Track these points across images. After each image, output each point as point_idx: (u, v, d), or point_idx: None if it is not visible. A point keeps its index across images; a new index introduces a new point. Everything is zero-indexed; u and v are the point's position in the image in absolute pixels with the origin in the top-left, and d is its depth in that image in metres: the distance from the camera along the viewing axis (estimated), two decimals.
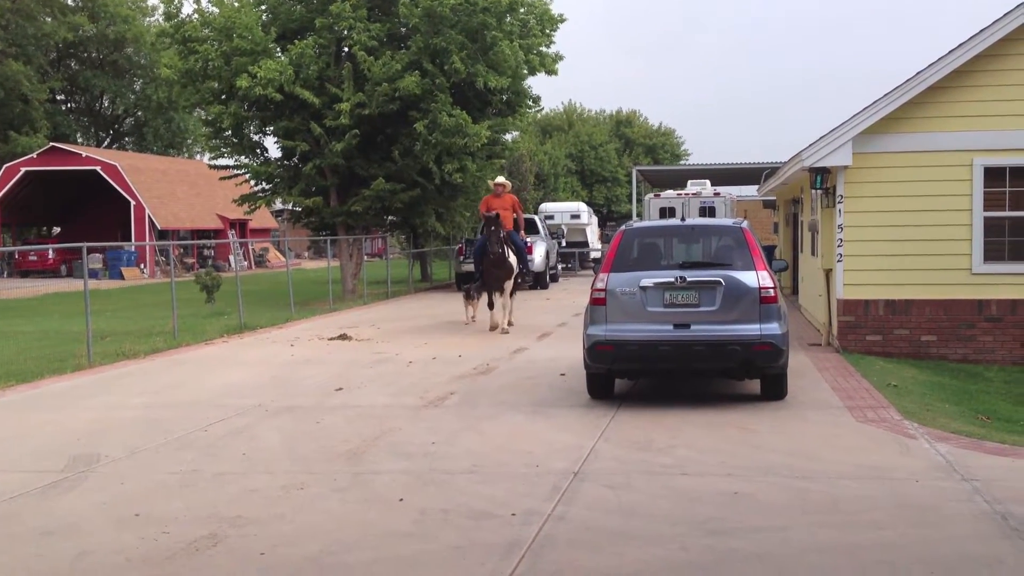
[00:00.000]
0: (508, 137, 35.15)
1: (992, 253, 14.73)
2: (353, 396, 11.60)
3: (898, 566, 5.50)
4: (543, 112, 68.55)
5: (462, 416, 10.23)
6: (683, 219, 13.08)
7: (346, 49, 28.11)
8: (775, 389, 10.75)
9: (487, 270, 18.15)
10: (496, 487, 7.42)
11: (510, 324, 18.39)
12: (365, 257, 32.12)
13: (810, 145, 15.49)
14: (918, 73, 14.85)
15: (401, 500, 7.11)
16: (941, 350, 14.89)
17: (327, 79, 27.15)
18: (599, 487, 7.38)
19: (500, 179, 19.05)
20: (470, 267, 30.11)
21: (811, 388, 11.48)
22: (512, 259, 18.18)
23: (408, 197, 28.01)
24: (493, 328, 18.23)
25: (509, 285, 18.24)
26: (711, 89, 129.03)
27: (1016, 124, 14.64)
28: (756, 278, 10.47)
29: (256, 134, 29.30)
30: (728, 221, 13.88)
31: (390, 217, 32.13)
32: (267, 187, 30.05)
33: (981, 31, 14.60)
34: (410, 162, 27.49)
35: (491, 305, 18.48)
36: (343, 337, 17.66)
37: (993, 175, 14.83)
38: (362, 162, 27.71)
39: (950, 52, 14.75)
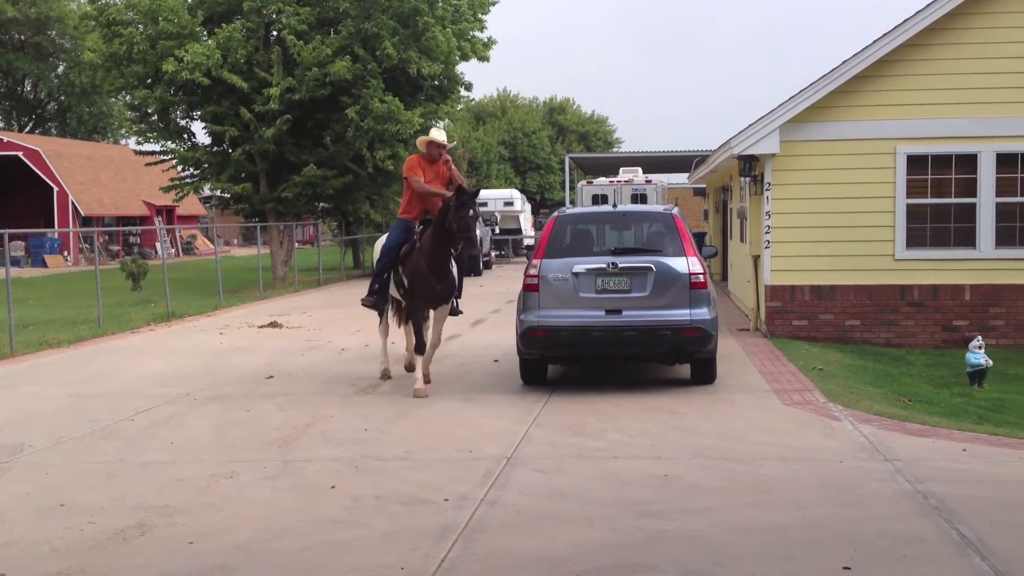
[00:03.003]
0: (442, 124, 35.02)
1: (914, 239, 15.10)
2: (284, 384, 11.49)
3: (821, 544, 5.62)
4: (476, 99, 68.56)
5: (395, 403, 10.20)
6: (615, 206, 13.17)
7: (275, 33, 27.76)
8: (705, 373, 10.90)
9: (418, 283, 10.77)
10: (429, 473, 7.42)
11: (428, 381, 11.03)
12: (296, 244, 31.79)
13: (739, 133, 15.70)
14: (844, 62, 15.13)
15: (333, 487, 7.07)
16: (865, 334, 15.23)
17: (256, 63, 26.78)
18: (531, 472, 7.42)
19: (438, 134, 11.19)
20: None
21: (740, 372, 11.65)
22: (454, 270, 11.06)
23: (340, 184, 27.79)
24: (410, 369, 11.51)
25: (446, 311, 11.23)
26: (644, 76, 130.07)
27: (938, 113, 15.00)
28: (686, 264, 10.59)
29: (183, 119, 28.83)
30: (659, 208, 14.02)
31: (322, 204, 31.86)
32: (195, 173, 29.58)
33: (905, 21, 14.92)
34: (342, 148, 27.27)
35: (419, 347, 10.98)
36: (274, 325, 17.47)
37: (916, 163, 15.19)
38: (293, 148, 27.42)
39: (875, 42, 15.05)
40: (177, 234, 53.26)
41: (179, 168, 30.05)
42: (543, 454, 7.94)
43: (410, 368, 11.59)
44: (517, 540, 5.87)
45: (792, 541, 5.72)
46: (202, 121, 27.84)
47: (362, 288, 27.72)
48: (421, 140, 11.50)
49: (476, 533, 6.00)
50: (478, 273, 29.28)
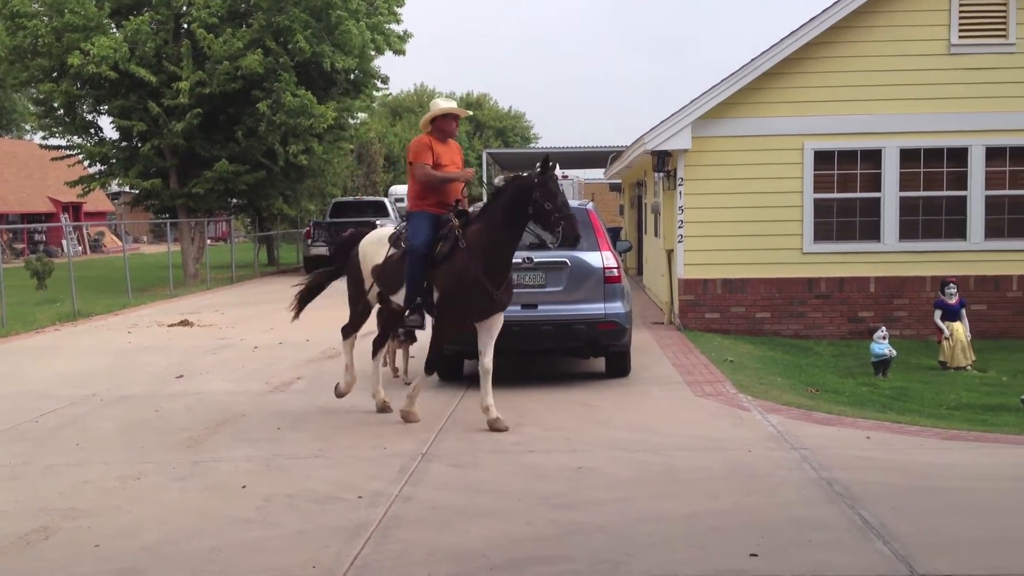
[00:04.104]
0: (357, 119, 34.75)
1: (822, 233, 15.46)
2: (194, 383, 11.28)
3: (730, 532, 5.72)
4: (393, 94, 68.08)
5: (309, 401, 10.10)
6: None
7: (185, 26, 27.20)
8: (619, 366, 11.01)
9: (466, 291, 8.49)
10: (343, 471, 7.36)
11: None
12: (208, 241, 31.22)
13: (652, 129, 15.88)
14: (753, 60, 15.42)
15: (244, 487, 6.96)
16: (775, 326, 15.55)
17: (165, 57, 26.21)
18: (447, 467, 7.41)
19: (447, 103, 9.00)
20: (320, 250, 29.74)
21: (653, 365, 11.80)
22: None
23: (253, 179, 27.38)
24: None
25: (500, 321, 8.84)
26: (560, 72, 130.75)
27: (843, 109, 15.38)
28: (601, 259, 10.69)
29: (90, 113, 28.08)
30: (574, 203, 14.08)
31: (234, 199, 31.34)
32: (102, 168, 28.85)
33: (811, 19, 15.26)
34: (254, 143, 26.86)
35: (433, 368, 8.95)
36: (184, 323, 17.13)
37: (822, 158, 15.55)
38: (204, 143, 26.91)
39: (782, 40, 15.36)
40: (84, 231, 51.87)
41: (86, 164, 29.29)
42: (459, 449, 7.94)
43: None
44: (432, 535, 5.86)
45: (702, 529, 5.82)
46: (110, 115, 27.16)
47: (277, 285, 27.16)
48: (428, 117, 9.00)
49: (390, 529, 5.97)
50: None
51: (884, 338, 12.44)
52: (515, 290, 10.49)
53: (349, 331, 9.86)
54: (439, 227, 8.77)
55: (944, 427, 8.63)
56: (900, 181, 15.37)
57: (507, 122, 77.12)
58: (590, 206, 11.73)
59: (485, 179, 44.60)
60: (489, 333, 8.74)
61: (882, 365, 12.30)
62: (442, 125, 9.04)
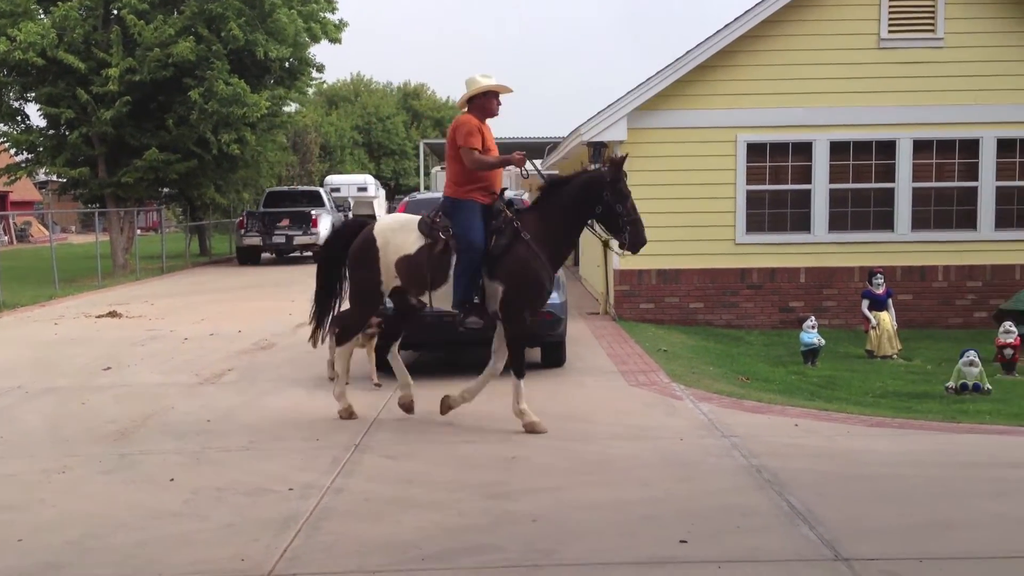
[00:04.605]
0: (291, 107, 34.36)
1: (754, 224, 15.66)
2: (123, 375, 11.07)
3: (661, 520, 5.77)
4: (329, 83, 67.44)
5: (240, 392, 9.97)
6: None
7: (115, 12, 26.59)
8: (554, 356, 11.03)
9: (533, 288, 8.01)
10: (274, 463, 7.27)
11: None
12: (138, 231, 30.64)
13: (588, 120, 15.93)
14: (688, 52, 15.53)
15: (172, 480, 6.85)
16: (708, 316, 15.72)
17: (94, 43, 25.64)
18: (380, 458, 7.36)
19: (487, 79, 8.25)
20: (254, 240, 29.39)
21: (588, 355, 11.85)
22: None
23: (184, 168, 26.93)
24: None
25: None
26: (498, 62, 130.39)
27: (775, 103, 15.58)
28: None
29: (16, 100, 27.33)
30: (509, 193, 14.07)
31: (165, 189, 30.81)
32: (29, 157, 28.16)
33: (745, 12, 15.42)
34: (186, 131, 26.41)
35: (520, 372, 8.12)
36: (113, 314, 16.80)
37: (755, 150, 15.74)
38: (133, 131, 26.38)
39: (716, 32, 15.51)
40: (10, 221, 50.59)
41: (12, 152, 28.57)
42: (392, 440, 7.90)
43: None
44: (363, 527, 5.82)
45: (633, 517, 5.86)
46: (37, 103, 26.51)
47: (209, 275, 26.70)
48: (468, 95, 8.19)
49: (321, 521, 5.91)
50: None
51: (813, 327, 12.64)
52: None
53: (349, 335, 8.69)
54: (489, 217, 8.07)
55: (870, 414, 8.80)
56: (830, 173, 15.62)
57: (445, 112, 76.76)
58: (525, 196, 11.73)
59: (423, 169, 44.45)
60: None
61: (811, 354, 12.50)
62: (484, 104, 8.24)
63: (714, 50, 15.40)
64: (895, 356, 13.17)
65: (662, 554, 5.21)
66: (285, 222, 29.16)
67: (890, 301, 13.59)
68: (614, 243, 8.20)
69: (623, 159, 7.99)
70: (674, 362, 11.45)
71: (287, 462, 7.27)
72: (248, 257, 29.83)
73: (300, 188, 34.53)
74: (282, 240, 29.10)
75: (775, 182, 15.74)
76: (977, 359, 10.51)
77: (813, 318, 12.96)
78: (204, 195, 30.19)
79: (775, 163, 15.73)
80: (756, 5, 15.40)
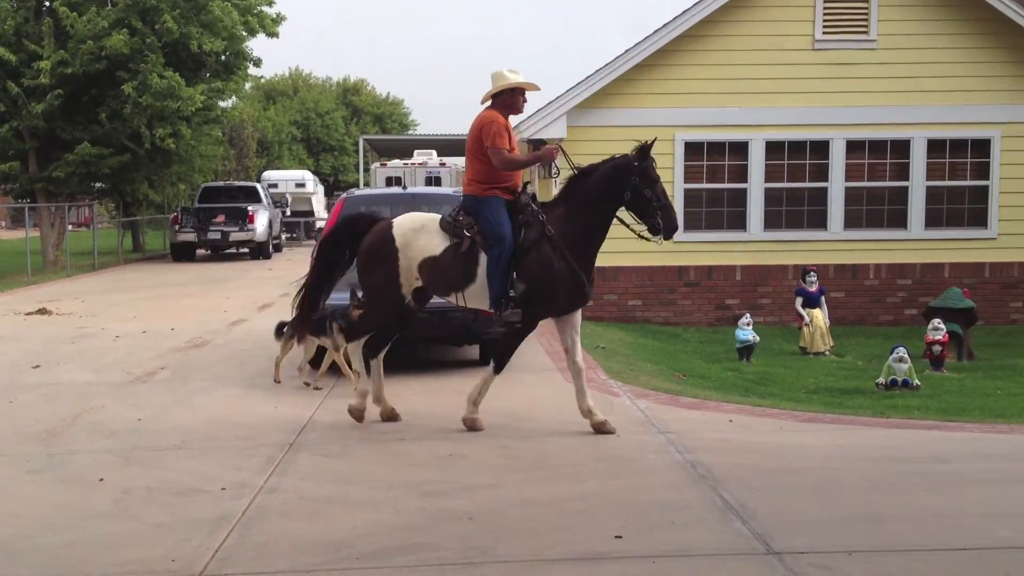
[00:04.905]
0: (228, 102, 33.90)
1: (691, 223, 15.81)
2: (52, 373, 10.83)
3: (597, 516, 5.79)
4: (267, 77, 66.68)
5: (172, 391, 9.80)
6: (405, 188, 13.15)
7: (47, 4, 26.03)
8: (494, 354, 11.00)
9: (562, 284, 7.77)
10: (206, 462, 7.16)
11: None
12: (70, 226, 30.02)
13: (528, 118, 15.94)
14: (627, 51, 15.65)
15: (102, 480, 6.71)
16: (646, 313, 15.85)
17: (26, 35, 25.07)
18: (315, 456, 7.29)
19: (514, 75, 7.94)
20: (188, 236, 28.93)
21: (526, 352, 11.80)
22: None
23: (117, 163, 26.43)
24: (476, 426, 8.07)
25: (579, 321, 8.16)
26: (440, 59, 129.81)
27: (712, 102, 15.75)
28: None
29: None
30: (448, 190, 14.09)
31: (97, 184, 30.22)
32: None
33: (683, 12, 15.58)
34: (119, 126, 25.93)
35: (502, 367, 8.14)
36: (42, 311, 16.43)
37: (693, 149, 15.90)
38: (65, 124, 25.83)
39: (655, 32, 15.64)
40: None
41: None
42: (328, 439, 7.82)
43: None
44: (297, 526, 5.75)
45: (569, 513, 5.87)
46: None
47: (143, 272, 26.25)
48: (493, 90, 7.87)
49: (254, 521, 5.83)
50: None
51: (748, 325, 12.80)
52: None
53: (356, 334, 8.39)
54: (515, 212, 7.82)
55: (802, 410, 8.94)
56: (765, 173, 15.83)
57: (385, 108, 76.35)
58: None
59: (362, 165, 44.16)
60: (574, 327, 8.01)
61: (746, 351, 12.66)
62: (510, 100, 7.96)
63: (652, 49, 15.53)
64: (827, 353, 13.39)
65: (597, 550, 5.23)
66: (221, 218, 28.78)
67: (823, 299, 13.81)
68: (643, 230, 7.89)
69: (651, 143, 7.69)
70: (612, 359, 11.51)
71: (220, 461, 7.16)
72: (183, 254, 29.39)
73: (237, 183, 34.09)
74: (218, 236, 28.72)
75: (712, 181, 15.92)
76: (906, 355, 10.72)
77: (748, 315, 13.13)
78: (137, 190, 29.66)
79: (712, 162, 15.90)
80: (694, 5, 15.56)
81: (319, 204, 43.34)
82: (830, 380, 11.39)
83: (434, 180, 30.67)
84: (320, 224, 40.60)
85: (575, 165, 7.89)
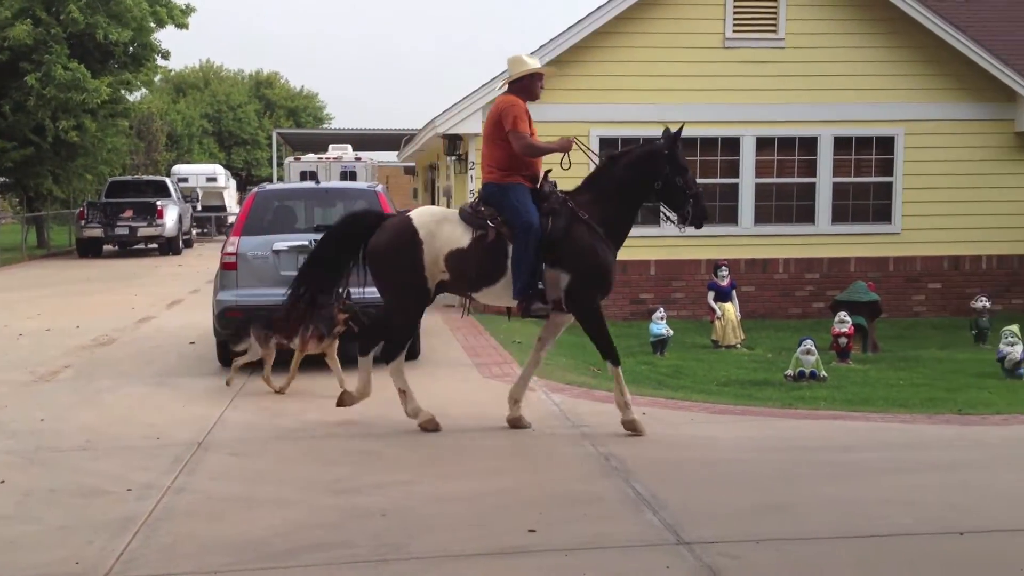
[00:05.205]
0: (137, 95, 33.14)
1: None
2: None
3: (511, 510, 5.80)
4: (177, 69, 65.16)
5: (77, 390, 9.54)
6: (317, 182, 13.02)
7: None
8: (409, 349, 10.94)
9: (608, 273, 7.73)
10: (112, 462, 6.98)
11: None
12: None
13: (443, 112, 15.91)
14: (542, 46, 15.67)
15: (3, 482, 6.49)
16: None
17: None
18: (225, 456, 7.16)
19: (533, 60, 7.85)
20: (95, 232, 28.15)
21: (443, 347, 11.83)
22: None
23: (19, 156, 25.67)
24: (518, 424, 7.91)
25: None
26: (355, 52, 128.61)
27: (627, 98, 15.88)
28: None
29: None
30: (363, 185, 13.99)
31: (1, 178, 29.26)
32: None
33: (598, 8, 15.67)
34: (22, 118, 25.19)
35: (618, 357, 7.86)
36: None
37: (608, 145, 15.94)
38: None
39: (570, 28, 15.71)
40: None
41: None
42: (239, 437, 7.70)
43: (518, 422, 7.87)
44: (205, 526, 5.64)
45: (485, 508, 5.87)
46: None
47: (48, 269, 25.47)
48: (515, 75, 7.62)
49: (161, 522, 5.70)
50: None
51: (662, 319, 12.95)
52: None
53: (397, 351, 7.87)
54: (539, 199, 7.55)
55: (713, 402, 9.08)
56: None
57: (299, 102, 75.34)
58: (379, 188, 11.64)
59: (275, 159, 43.56)
60: (562, 325, 7.93)
61: (660, 344, 12.81)
62: (529, 85, 7.69)
63: (566, 46, 15.59)
64: (739, 346, 13.62)
65: (511, 544, 5.24)
66: (128, 213, 28.06)
67: (734, 293, 14.04)
68: (673, 216, 7.72)
69: (679, 130, 7.57)
70: (527, 354, 11.49)
71: (126, 462, 6.99)
72: (89, 249, 28.58)
73: (145, 178, 33.32)
74: (125, 232, 28.00)
75: None
76: (814, 348, 10.96)
77: (662, 309, 13.28)
78: (41, 185, 28.81)
79: None
80: (608, 2, 15.66)
81: (231, 199, 42.63)
82: (741, 373, 11.59)
83: (349, 175, 30.44)
84: (232, 219, 39.96)
85: (597, 153, 7.74)
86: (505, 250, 7.50)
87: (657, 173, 7.49)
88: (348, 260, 7.99)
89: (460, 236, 7.58)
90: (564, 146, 7.66)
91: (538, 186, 7.65)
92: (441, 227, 7.65)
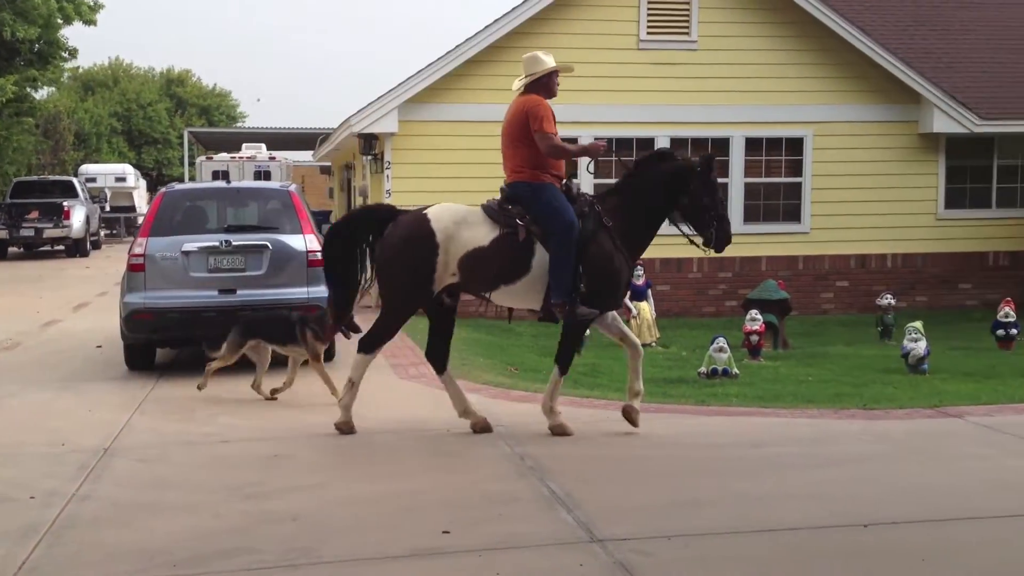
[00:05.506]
0: (43, 92, 32.22)
1: None
2: None
3: (425, 512, 5.76)
4: (85, 67, 63.54)
5: None
6: (228, 181, 12.83)
7: None
8: (327, 349, 10.84)
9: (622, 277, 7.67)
10: (13, 470, 6.77)
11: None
12: None
13: (358, 111, 15.79)
14: (457, 46, 15.67)
15: None
16: (480, 308, 15.79)
17: None
18: (132, 462, 6.99)
19: (549, 57, 7.69)
20: None
21: (354, 349, 11.68)
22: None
23: None
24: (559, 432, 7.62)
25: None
26: (269, 49, 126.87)
27: None
28: (304, 242, 10.54)
29: None
30: (275, 184, 13.81)
31: None
32: None
33: (513, 9, 15.71)
34: None
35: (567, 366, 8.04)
36: None
37: None
38: None
39: (486, 27, 15.72)
40: None
41: None
42: (146, 443, 7.52)
43: (559, 430, 7.59)
44: (111, 534, 5.50)
45: (398, 510, 5.82)
46: None
47: None
48: (538, 74, 7.50)
49: (65, 530, 5.54)
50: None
51: None
52: (211, 274, 10.16)
53: (376, 344, 7.78)
54: (570, 200, 7.43)
55: None
56: (595, 169, 16.07)
57: (212, 100, 74.04)
58: (292, 187, 11.53)
59: (187, 159, 42.72)
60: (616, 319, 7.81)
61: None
62: (549, 83, 7.60)
63: (483, 45, 15.60)
64: (653, 344, 13.77)
65: (424, 546, 5.20)
66: (34, 214, 27.22)
67: (649, 291, 14.19)
68: (694, 233, 7.67)
69: (711, 157, 7.62)
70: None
71: (29, 468, 6.78)
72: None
73: (52, 178, 32.34)
74: (31, 233, 27.18)
75: None
76: (726, 345, 11.12)
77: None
78: None
79: None
80: (524, 2, 15.70)
81: (141, 199, 41.67)
82: (656, 370, 11.68)
83: (264, 174, 30.00)
84: (142, 220, 39.06)
85: (627, 161, 7.81)
86: (531, 250, 7.37)
87: (685, 189, 7.44)
88: (359, 255, 7.82)
89: (482, 236, 7.40)
90: (593, 151, 7.66)
91: (562, 187, 7.53)
92: (460, 228, 7.45)
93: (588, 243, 7.31)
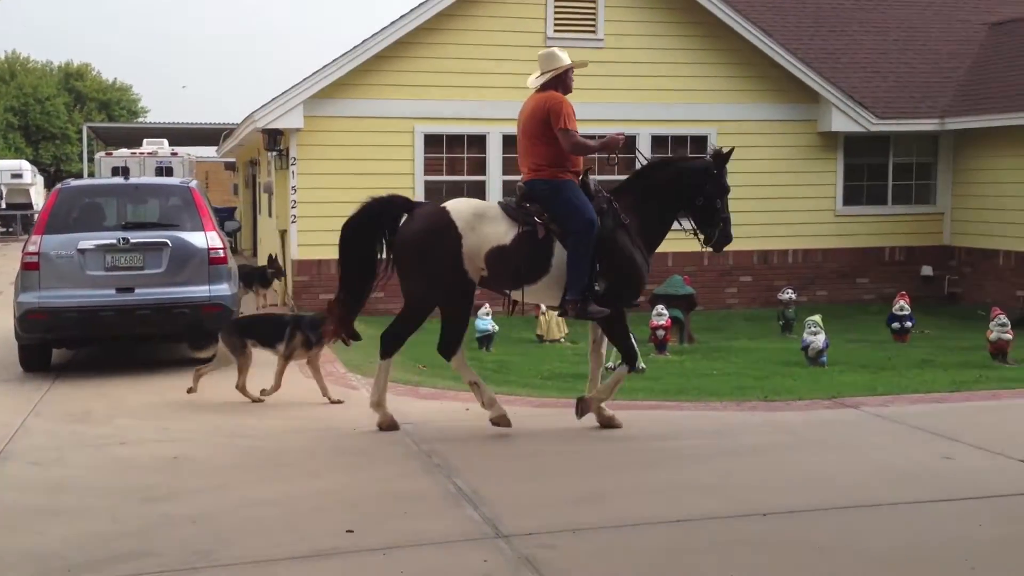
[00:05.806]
0: None
1: None
2: None
3: (329, 511, 5.69)
4: None
5: None
6: (127, 178, 12.53)
7: None
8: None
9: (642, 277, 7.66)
10: None
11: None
12: None
13: (262, 106, 15.52)
14: (364, 41, 15.52)
15: None
16: (388, 306, 15.66)
17: None
18: (25, 465, 6.77)
19: (563, 53, 7.90)
20: None
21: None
22: None
23: None
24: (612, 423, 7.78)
25: None
26: (171, 44, 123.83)
27: (451, 95, 15.89)
28: (205, 239, 10.35)
29: None
30: (175, 181, 13.54)
31: None
32: None
33: (420, 4, 15.61)
34: None
35: (634, 359, 8.51)
36: None
37: (432, 142, 16.00)
38: None
39: (392, 23, 15.60)
40: None
41: None
42: (41, 445, 7.29)
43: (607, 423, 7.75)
44: (3, 539, 5.31)
45: (302, 511, 5.74)
46: None
47: None
48: (558, 71, 7.60)
49: None
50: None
51: (488, 315, 13.04)
52: (109, 272, 9.91)
53: (395, 344, 7.94)
54: (588, 197, 7.40)
55: (537, 396, 9.20)
56: (503, 165, 16.15)
57: (112, 94, 72.09)
58: (193, 184, 11.32)
59: (87, 154, 41.55)
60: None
61: (486, 340, 12.89)
62: (565, 80, 7.64)
63: (389, 41, 15.48)
64: (563, 340, 13.85)
65: (327, 546, 5.13)
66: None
67: None
68: (697, 231, 7.76)
69: (729, 152, 7.63)
70: (352, 352, 11.33)
71: None
72: None
73: None
74: None
75: (452, 173, 16.09)
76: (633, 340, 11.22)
77: (488, 305, 13.36)
78: None
79: (452, 154, 16.08)
80: None
81: (38, 196, 40.39)
82: (564, 366, 11.77)
83: (165, 171, 29.33)
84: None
85: (647, 158, 7.87)
86: (550, 248, 7.33)
87: (701, 191, 7.52)
88: (375, 249, 7.80)
89: (502, 232, 7.32)
90: (612, 144, 7.58)
91: (579, 183, 7.48)
92: (481, 221, 7.36)
93: (608, 240, 7.30)
